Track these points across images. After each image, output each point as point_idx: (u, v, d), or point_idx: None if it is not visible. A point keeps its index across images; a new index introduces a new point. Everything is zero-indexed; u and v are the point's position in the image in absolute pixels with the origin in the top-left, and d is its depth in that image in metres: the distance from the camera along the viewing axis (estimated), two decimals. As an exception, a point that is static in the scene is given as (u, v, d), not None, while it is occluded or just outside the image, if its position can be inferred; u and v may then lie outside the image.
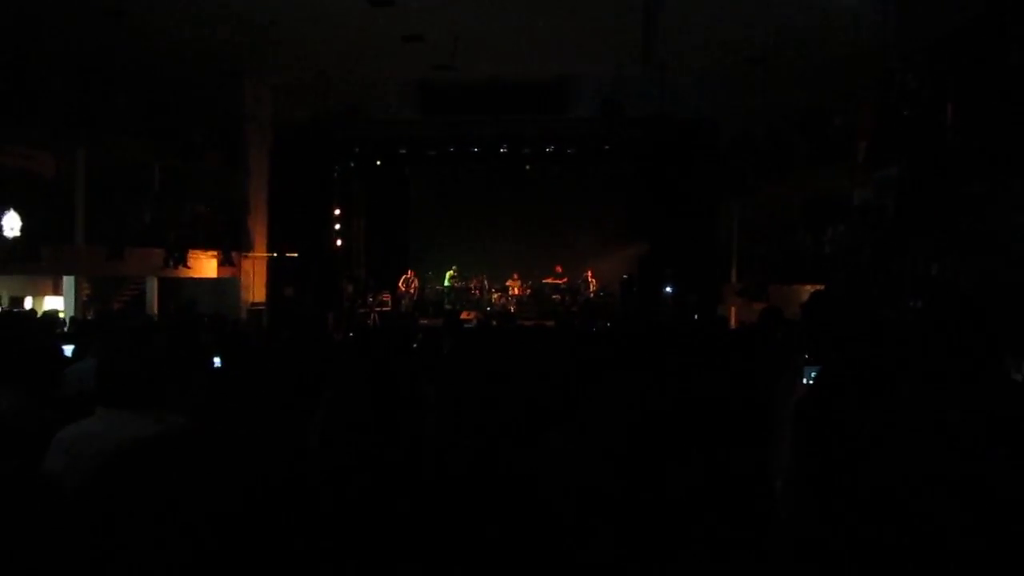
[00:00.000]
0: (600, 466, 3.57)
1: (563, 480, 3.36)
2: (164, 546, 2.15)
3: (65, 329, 10.25)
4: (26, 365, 3.52)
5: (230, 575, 2.22)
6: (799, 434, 3.47)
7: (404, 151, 20.72)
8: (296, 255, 17.67)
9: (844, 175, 13.20)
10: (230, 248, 16.83)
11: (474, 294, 21.19)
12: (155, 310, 16.02)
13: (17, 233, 12.58)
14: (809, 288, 12.57)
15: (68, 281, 15.18)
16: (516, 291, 20.95)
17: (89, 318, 13.11)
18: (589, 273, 20.95)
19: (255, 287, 17.25)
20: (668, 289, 18.59)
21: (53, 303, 15.40)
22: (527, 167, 21.85)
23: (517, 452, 3.58)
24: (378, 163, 21.80)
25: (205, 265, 16.50)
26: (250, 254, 17.18)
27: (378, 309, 19.53)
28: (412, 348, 6.08)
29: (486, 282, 21.35)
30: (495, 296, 21.02)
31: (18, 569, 2.08)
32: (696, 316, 14.14)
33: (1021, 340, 2.93)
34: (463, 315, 16.82)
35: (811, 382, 4.11)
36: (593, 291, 20.68)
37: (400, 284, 20.82)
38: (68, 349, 5.53)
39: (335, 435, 3.25)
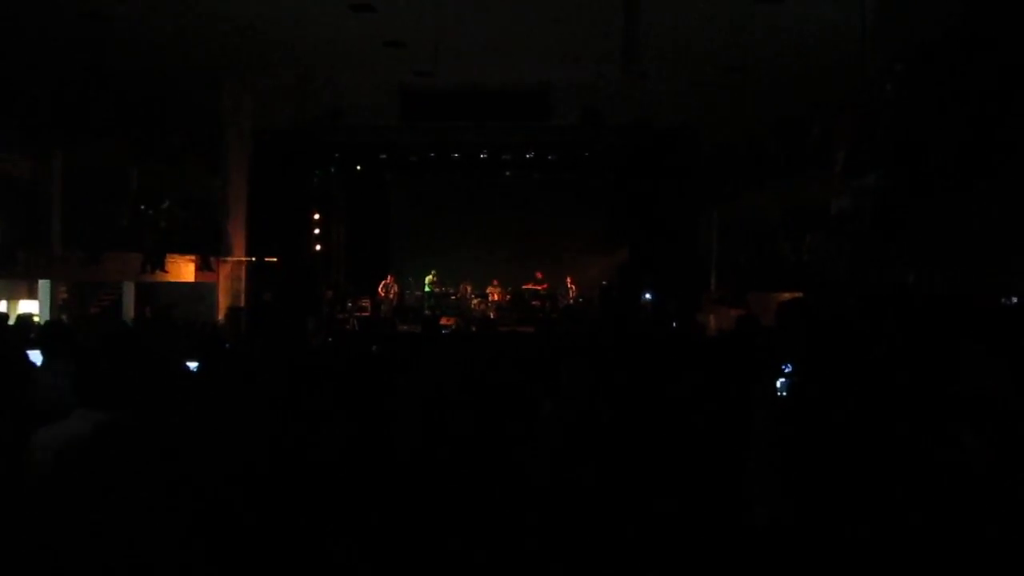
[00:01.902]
0: (575, 467, 3.58)
1: (539, 482, 3.37)
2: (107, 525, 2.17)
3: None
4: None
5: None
6: (777, 439, 3.49)
7: (384, 156, 20.70)
8: (275, 260, 17.58)
9: (822, 184, 13.28)
10: (209, 253, 16.73)
11: (454, 300, 21.17)
12: (132, 315, 15.89)
13: (-8, 236, 12.46)
14: (788, 296, 12.65)
15: (44, 285, 15.03)
16: (496, 297, 20.97)
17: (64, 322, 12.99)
18: (569, 280, 21.00)
19: (234, 292, 17.14)
20: (647, 296, 18.65)
21: (28, 307, 15.25)
22: (507, 174, 21.91)
23: (493, 446, 3.58)
24: (358, 168, 21.78)
25: (183, 270, 16.39)
26: (229, 259, 17.08)
27: (357, 314, 19.47)
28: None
29: (466, 288, 21.35)
30: (475, 302, 21.01)
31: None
32: (674, 324, 14.17)
33: (995, 345, 2.97)
34: (442, 321, 16.80)
35: (786, 390, 4.13)
36: (573, 298, 20.72)
37: (380, 289, 20.78)
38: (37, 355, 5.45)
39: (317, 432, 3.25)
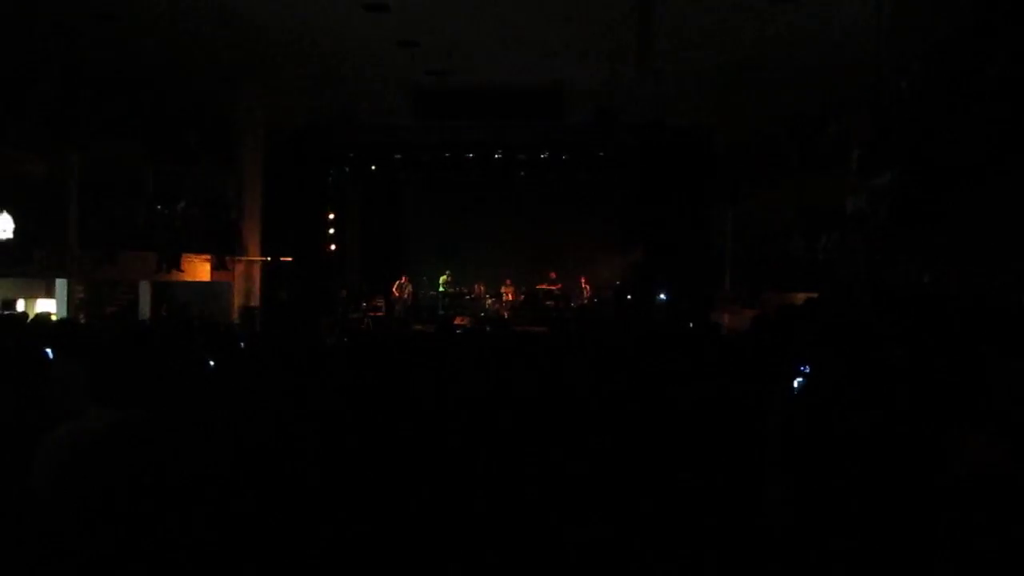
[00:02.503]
0: (594, 469, 3.57)
1: (553, 481, 3.36)
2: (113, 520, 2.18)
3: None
4: (13, 366, 3.53)
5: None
6: (791, 440, 3.47)
7: (398, 156, 20.74)
8: (290, 260, 17.64)
9: (837, 183, 13.22)
10: (224, 252, 16.79)
11: (468, 300, 21.19)
12: (148, 314, 15.96)
13: (10, 235, 12.53)
14: (802, 295, 12.60)
15: (61, 284, 15.12)
16: (510, 297, 20.96)
17: (81, 321, 13.07)
18: (583, 279, 20.97)
19: (248, 292, 17.21)
20: (662, 296, 18.61)
21: (45, 306, 15.34)
22: (521, 173, 21.89)
23: (507, 452, 3.58)
24: (372, 168, 21.82)
25: (198, 269, 16.45)
26: (244, 258, 17.13)
27: (371, 314, 19.51)
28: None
29: (480, 287, 21.37)
30: (489, 302, 21.03)
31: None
32: (691, 323, 14.13)
33: (1012, 344, 2.94)
34: (456, 320, 16.81)
35: (800, 389, 4.11)
36: (587, 298, 20.70)
37: (394, 289, 20.81)
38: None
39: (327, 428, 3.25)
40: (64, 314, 14.42)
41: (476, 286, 21.39)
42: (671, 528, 3.42)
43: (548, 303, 20.62)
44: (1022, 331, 3.16)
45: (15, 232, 12.62)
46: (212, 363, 4.78)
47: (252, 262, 17.24)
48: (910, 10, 10.44)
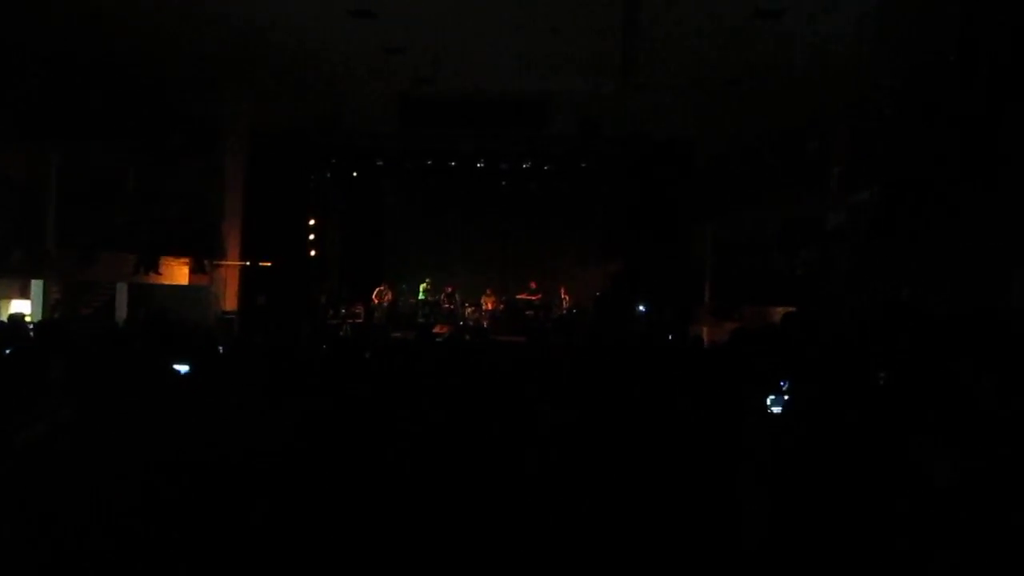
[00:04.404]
0: (569, 480, 3.56)
1: (534, 497, 3.35)
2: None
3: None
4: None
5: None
6: (769, 457, 3.47)
7: (381, 163, 20.71)
8: (269, 264, 17.53)
9: (818, 198, 13.31)
10: (203, 255, 16.66)
11: (447, 308, 21.13)
12: (124, 316, 15.80)
13: (-14, 235, 12.40)
14: (781, 310, 12.66)
15: (36, 284, 14.95)
16: (489, 306, 20.93)
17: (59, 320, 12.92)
18: (562, 290, 20.99)
19: (227, 295, 17.08)
20: (641, 307, 18.65)
21: (20, 306, 15.17)
22: (504, 183, 21.90)
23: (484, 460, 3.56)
24: (355, 174, 21.77)
25: (176, 272, 16.31)
26: (223, 262, 17.02)
27: (350, 321, 19.43)
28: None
29: (459, 296, 21.32)
30: (468, 310, 20.99)
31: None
32: (670, 336, 14.16)
33: (994, 362, 2.96)
34: (436, 329, 16.76)
35: (781, 405, 4.12)
36: (566, 308, 20.70)
37: (373, 296, 20.75)
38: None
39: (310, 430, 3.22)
40: (39, 315, 14.25)
41: (456, 295, 21.27)
42: (646, 541, 3.41)
43: (528, 313, 20.61)
44: (1000, 346, 3.18)
45: (-8, 231, 12.50)
46: (188, 367, 4.73)
47: (231, 266, 17.12)
48: (893, 30, 10.54)
